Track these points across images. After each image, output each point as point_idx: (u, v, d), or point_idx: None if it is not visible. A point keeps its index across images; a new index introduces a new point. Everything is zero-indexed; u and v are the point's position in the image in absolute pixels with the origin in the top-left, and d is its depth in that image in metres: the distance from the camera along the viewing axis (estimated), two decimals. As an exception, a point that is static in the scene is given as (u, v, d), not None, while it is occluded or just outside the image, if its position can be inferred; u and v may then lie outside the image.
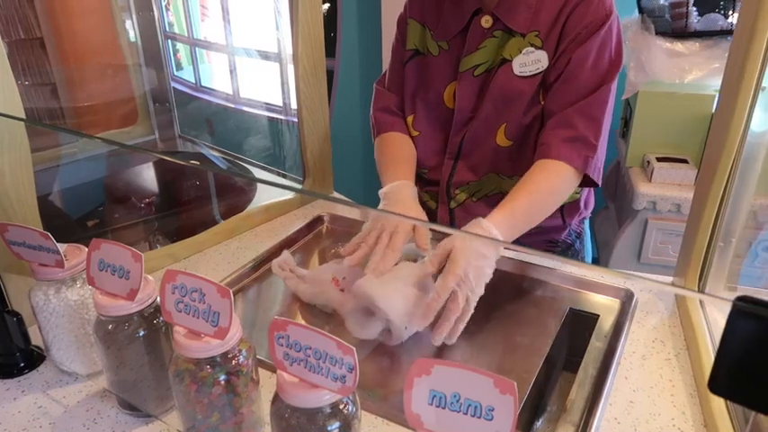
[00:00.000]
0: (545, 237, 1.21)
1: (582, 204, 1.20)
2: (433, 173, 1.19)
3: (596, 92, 0.99)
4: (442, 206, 1.19)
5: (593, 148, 0.99)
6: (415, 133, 1.17)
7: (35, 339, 0.83)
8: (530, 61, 1.02)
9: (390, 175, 1.07)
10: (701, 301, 0.91)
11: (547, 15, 1.00)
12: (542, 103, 1.03)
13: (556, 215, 1.17)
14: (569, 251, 1.23)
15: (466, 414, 0.46)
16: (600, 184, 1.04)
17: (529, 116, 1.04)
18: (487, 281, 0.87)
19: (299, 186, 1.38)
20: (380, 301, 0.83)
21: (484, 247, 0.86)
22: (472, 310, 0.85)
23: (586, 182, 1.03)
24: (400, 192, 1.03)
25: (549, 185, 0.99)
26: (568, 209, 1.18)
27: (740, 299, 0.29)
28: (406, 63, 1.15)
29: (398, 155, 1.14)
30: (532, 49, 1.01)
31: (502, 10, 1.02)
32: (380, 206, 1.03)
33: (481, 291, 0.86)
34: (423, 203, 1.24)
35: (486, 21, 1.04)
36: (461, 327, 0.85)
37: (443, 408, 0.47)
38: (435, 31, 1.10)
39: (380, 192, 1.05)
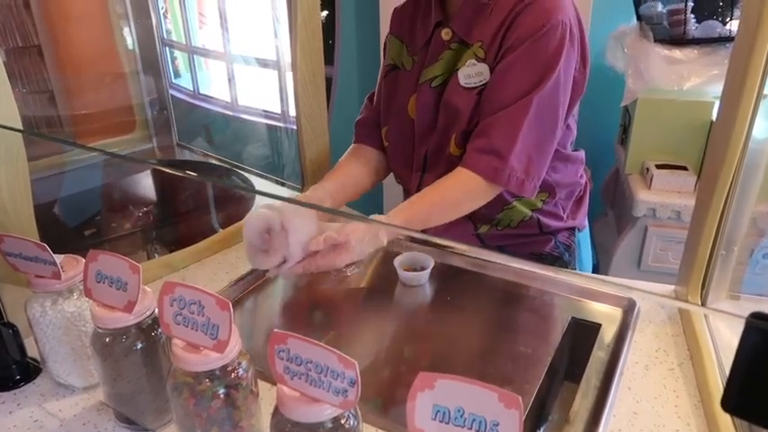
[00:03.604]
0: (529, 249, 1.20)
1: (565, 214, 1.19)
2: (405, 183, 1.22)
3: (517, 102, 0.97)
4: None
5: (504, 159, 0.98)
6: (386, 144, 1.20)
7: (31, 351, 0.82)
8: (473, 73, 1.03)
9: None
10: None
11: (492, 27, 1.00)
12: None
13: (530, 224, 1.16)
14: (556, 264, 1.22)
15: (470, 429, 0.45)
16: (528, 194, 1.02)
17: (472, 126, 1.05)
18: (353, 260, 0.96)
19: (297, 194, 1.37)
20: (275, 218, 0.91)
21: (371, 243, 0.96)
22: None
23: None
24: (309, 193, 1.10)
25: (451, 197, 1.03)
26: (543, 217, 1.17)
27: (753, 315, 0.28)
28: (385, 77, 1.18)
29: (339, 167, 1.20)
30: (475, 61, 1.02)
31: (458, 22, 1.04)
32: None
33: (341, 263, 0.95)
34: None
35: (446, 33, 1.06)
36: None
37: (447, 423, 0.46)
38: (410, 45, 1.13)
39: None
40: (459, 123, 1.05)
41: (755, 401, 0.29)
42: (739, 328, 0.31)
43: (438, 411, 0.46)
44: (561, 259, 1.22)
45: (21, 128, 0.82)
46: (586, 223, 1.27)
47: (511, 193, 1.08)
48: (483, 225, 1.16)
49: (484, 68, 1.02)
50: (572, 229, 1.23)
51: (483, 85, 1.02)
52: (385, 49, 1.19)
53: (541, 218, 1.16)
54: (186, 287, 0.59)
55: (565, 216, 1.19)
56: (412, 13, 1.13)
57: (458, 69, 1.04)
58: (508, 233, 1.17)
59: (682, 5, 1.95)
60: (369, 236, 0.95)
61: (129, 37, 1.98)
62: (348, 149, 1.23)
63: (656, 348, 0.87)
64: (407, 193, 1.22)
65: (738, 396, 0.30)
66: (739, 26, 0.79)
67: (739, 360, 0.29)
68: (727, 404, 0.30)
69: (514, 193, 1.02)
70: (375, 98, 1.23)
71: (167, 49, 2.21)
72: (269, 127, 2.23)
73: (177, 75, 2.34)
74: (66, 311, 0.75)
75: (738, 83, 0.77)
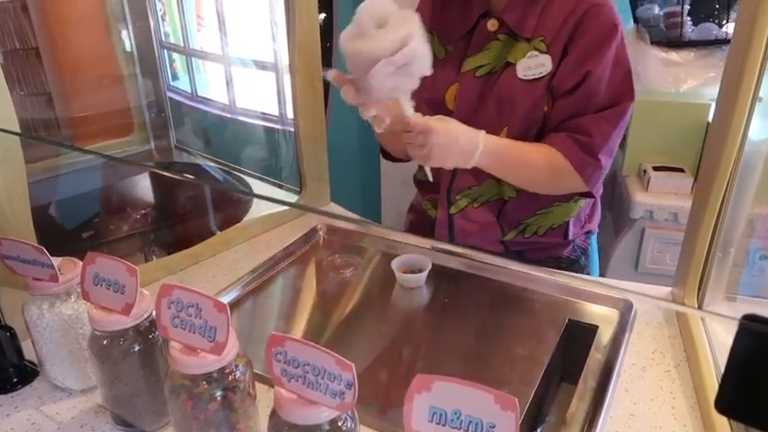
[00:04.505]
0: (548, 253, 1.20)
1: (584, 217, 1.20)
2: (434, 177, 1.19)
3: (614, 107, 1.02)
4: (441, 211, 1.18)
5: (596, 156, 1.02)
6: None
7: (28, 354, 0.82)
8: (534, 65, 1.03)
9: None
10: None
11: (553, 22, 1.02)
12: (546, 109, 1.04)
13: (557, 232, 1.17)
14: (573, 267, 1.23)
15: (467, 431, 0.46)
16: (594, 195, 1.07)
17: (530, 120, 1.05)
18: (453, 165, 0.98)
19: (295, 197, 1.37)
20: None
21: (467, 143, 0.97)
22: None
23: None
24: None
25: (547, 162, 1.04)
26: (573, 223, 1.17)
27: (746, 317, 0.28)
28: None
29: None
30: (536, 53, 1.03)
31: (508, 14, 1.04)
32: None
33: (435, 162, 0.96)
34: (423, 212, 1.24)
35: (492, 24, 1.06)
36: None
37: (444, 425, 0.46)
38: (442, 35, 1.12)
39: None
40: (513, 115, 1.06)
41: (748, 402, 0.30)
42: (735, 329, 0.32)
43: (435, 413, 0.46)
44: (578, 263, 1.22)
45: (18, 131, 0.82)
46: (597, 227, 1.28)
47: (564, 195, 1.11)
48: (511, 231, 1.16)
49: (546, 60, 1.03)
50: (588, 233, 1.24)
51: (543, 76, 1.03)
52: None
53: (571, 224, 1.17)
54: (184, 289, 0.59)
55: (583, 220, 1.20)
56: (442, 4, 1.13)
57: (512, 62, 1.04)
58: (534, 240, 1.17)
59: (678, 8, 1.96)
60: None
61: (127, 39, 1.98)
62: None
63: (653, 350, 0.87)
64: (431, 191, 1.19)
65: (732, 397, 0.30)
66: (735, 29, 0.79)
67: (732, 361, 0.29)
68: (721, 405, 0.30)
69: (591, 187, 1.05)
70: None
71: (165, 51, 2.21)
72: (267, 129, 2.23)
73: (175, 77, 2.34)
74: (64, 314, 0.75)
75: (734, 85, 0.77)
